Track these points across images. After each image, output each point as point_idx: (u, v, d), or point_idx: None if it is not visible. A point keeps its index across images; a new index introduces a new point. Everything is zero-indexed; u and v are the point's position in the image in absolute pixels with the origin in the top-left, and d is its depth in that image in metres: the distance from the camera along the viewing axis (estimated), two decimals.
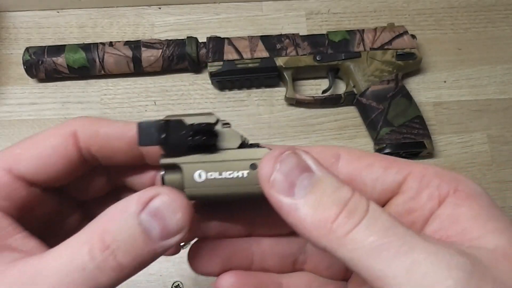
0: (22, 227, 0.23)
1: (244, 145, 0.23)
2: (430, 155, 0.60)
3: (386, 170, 0.24)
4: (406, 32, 0.62)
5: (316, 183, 0.20)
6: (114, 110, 0.62)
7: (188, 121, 0.22)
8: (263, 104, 0.63)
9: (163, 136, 0.21)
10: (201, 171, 0.22)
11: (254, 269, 0.27)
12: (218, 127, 0.22)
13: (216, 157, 0.22)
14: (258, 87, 0.64)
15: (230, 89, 0.63)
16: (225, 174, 0.22)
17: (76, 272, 0.19)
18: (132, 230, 0.20)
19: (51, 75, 0.61)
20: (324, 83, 0.64)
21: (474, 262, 0.18)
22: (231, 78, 0.61)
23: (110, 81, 0.63)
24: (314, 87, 0.64)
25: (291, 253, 0.27)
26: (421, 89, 0.64)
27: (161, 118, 0.21)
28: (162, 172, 0.22)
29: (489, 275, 0.18)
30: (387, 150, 0.57)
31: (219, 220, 0.26)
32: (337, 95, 0.61)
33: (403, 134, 0.58)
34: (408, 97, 0.60)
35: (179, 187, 0.22)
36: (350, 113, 0.63)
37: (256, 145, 0.23)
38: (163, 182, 0.22)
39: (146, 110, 0.62)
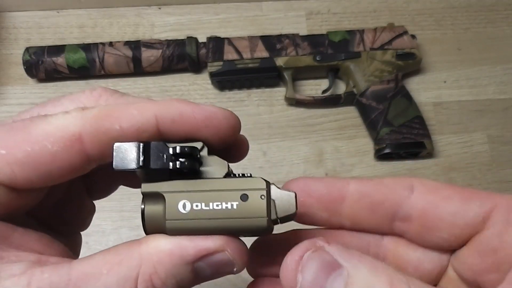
0: (16, 226, 0.20)
1: (229, 174, 0.21)
2: (430, 155, 0.60)
3: (466, 203, 0.21)
4: (406, 32, 0.62)
5: (348, 283, 0.17)
6: None
7: (171, 144, 0.20)
8: (263, 104, 0.63)
9: (142, 159, 0.19)
10: (185, 201, 0.20)
11: None
12: (204, 153, 0.21)
13: (203, 186, 0.20)
14: (258, 87, 0.64)
15: (230, 89, 0.63)
16: (213, 205, 0.20)
17: None
18: (182, 276, 0.20)
19: (51, 75, 0.61)
20: (324, 83, 0.64)
21: None
22: (231, 78, 0.61)
23: (110, 81, 0.63)
24: (314, 87, 0.64)
25: None
26: (421, 89, 0.64)
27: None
28: (142, 206, 0.20)
29: None
30: (387, 150, 0.57)
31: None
32: (337, 95, 0.61)
33: (403, 134, 0.58)
34: (408, 97, 0.60)
35: (161, 218, 0.20)
36: (350, 113, 0.63)
37: (249, 176, 0.21)
38: (143, 216, 0.20)
39: None
